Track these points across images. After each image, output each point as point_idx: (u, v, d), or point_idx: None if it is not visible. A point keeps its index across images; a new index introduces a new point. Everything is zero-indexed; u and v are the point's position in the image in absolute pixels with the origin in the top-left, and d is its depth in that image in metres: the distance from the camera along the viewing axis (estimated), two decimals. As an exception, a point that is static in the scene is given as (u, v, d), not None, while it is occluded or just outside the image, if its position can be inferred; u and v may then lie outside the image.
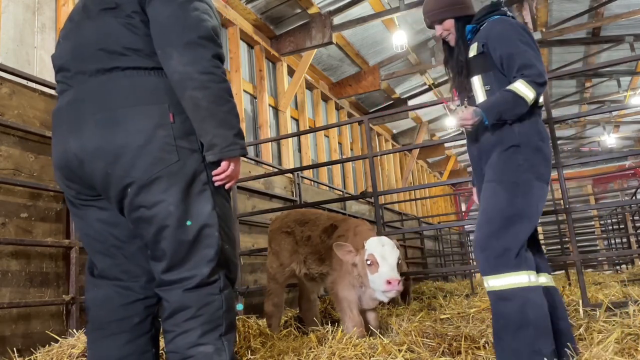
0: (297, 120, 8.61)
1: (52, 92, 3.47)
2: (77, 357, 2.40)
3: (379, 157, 11.18)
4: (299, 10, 7.36)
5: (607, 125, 15.17)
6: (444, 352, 2.45)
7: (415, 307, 4.36)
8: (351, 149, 10.57)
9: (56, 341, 2.69)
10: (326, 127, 7.14)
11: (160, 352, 1.91)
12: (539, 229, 13.72)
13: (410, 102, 11.33)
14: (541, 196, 2.28)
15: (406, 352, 2.39)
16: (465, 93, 2.48)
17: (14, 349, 2.70)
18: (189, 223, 1.60)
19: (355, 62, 9.27)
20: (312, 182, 7.79)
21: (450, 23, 2.52)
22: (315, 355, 2.50)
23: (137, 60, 1.63)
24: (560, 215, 7.84)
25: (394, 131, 13.29)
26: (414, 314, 3.33)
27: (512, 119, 2.26)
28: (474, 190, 2.61)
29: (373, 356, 2.36)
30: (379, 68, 9.47)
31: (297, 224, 3.49)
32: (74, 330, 2.91)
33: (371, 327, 2.95)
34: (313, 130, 7.88)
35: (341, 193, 8.51)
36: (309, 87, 9.12)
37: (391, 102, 11.34)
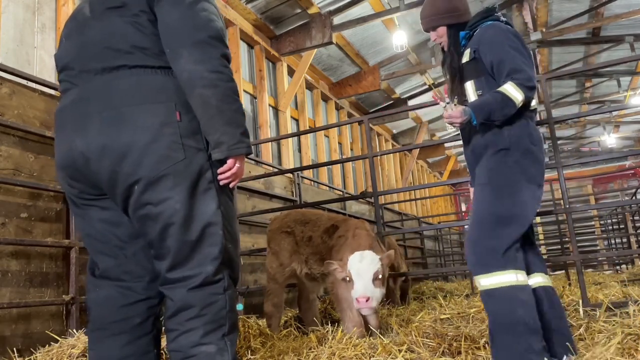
0: (297, 120, 8.61)
1: (52, 92, 3.47)
2: (77, 357, 2.40)
3: (379, 157, 11.18)
4: (299, 10, 7.36)
5: (607, 125, 15.17)
6: (444, 352, 2.45)
7: (415, 307, 4.35)
8: (351, 149, 10.57)
9: (56, 341, 2.69)
10: (326, 127, 7.15)
11: (162, 351, 1.90)
12: (539, 229, 13.82)
13: (410, 102, 11.33)
14: (532, 198, 2.30)
15: (406, 352, 2.39)
16: (458, 97, 2.52)
17: (14, 349, 2.70)
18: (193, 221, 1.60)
19: (355, 62, 9.27)
20: (312, 182, 7.79)
21: (443, 30, 2.57)
22: (315, 355, 2.50)
23: (144, 59, 1.64)
24: (560, 215, 7.85)
25: (394, 131, 13.29)
26: (414, 314, 3.33)
27: (500, 120, 2.28)
28: (471, 190, 2.62)
29: (373, 356, 2.36)
30: (379, 68, 9.47)
31: (298, 224, 3.49)
32: (74, 330, 2.91)
33: (371, 327, 2.95)
34: (313, 130, 7.88)
35: (341, 193, 8.51)
36: (309, 87, 9.12)
37: (391, 102, 11.34)
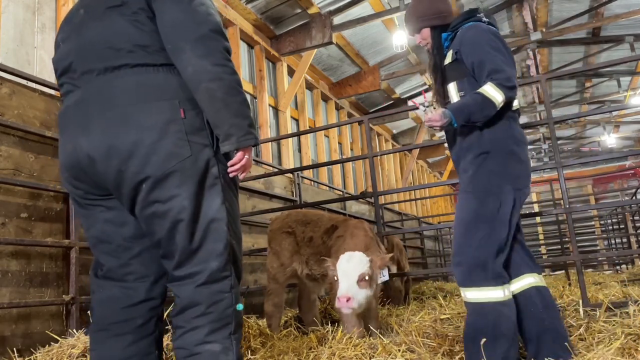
0: (297, 120, 8.61)
1: (52, 92, 3.47)
2: (77, 357, 2.40)
3: (379, 157, 11.18)
4: (299, 10, 7.36)
5: (607, 125, 15.17)
6: (444, 353, 2.45)
7: (415, 307, 4.35)
8: (351, 149, 10.57)
9: (56, 341, 2.69)
10: (326, 127, 7.14)
11: (164, 351, 1.91)
12: (539, 229, 13.77)
13: (410, 102, 11.33)
14: (516, 201, 2.28)
15: (406, 352, 2.39)
16: (442, 98, 2.51)
17: (14, 349, 2.70)
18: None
19: (355, 62, 9.26)
20: (312, 182, 7.79)
21: (427, 32, 2.57)
22: (315, 355, 2.50)
23: (145, 57, 1.64)
24: (560, 215, 7.84)
25: (394, 131, 13.29)
26: (414, 314, 3.33)
27: (481, 122, 2.28)
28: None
29: (373, 356, 2.36)
30: (379, 68, 9.47)
31: (299, 224, 3.49)
32: (74, 330, 2.90)
33: (371, 328, 2.95)
34: (313, 130, 7.88)
35: (341, 193, 8.51)
36: (309, 87, 9.12)
37: (391, 102, 11.34)
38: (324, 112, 9.71)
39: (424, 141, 12.80)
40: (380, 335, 2.61)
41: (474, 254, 2.20)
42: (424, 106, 2.38)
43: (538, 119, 13.52)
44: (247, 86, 7.17)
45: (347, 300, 2.59)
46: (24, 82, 3.23)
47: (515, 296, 2.30)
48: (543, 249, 14.50)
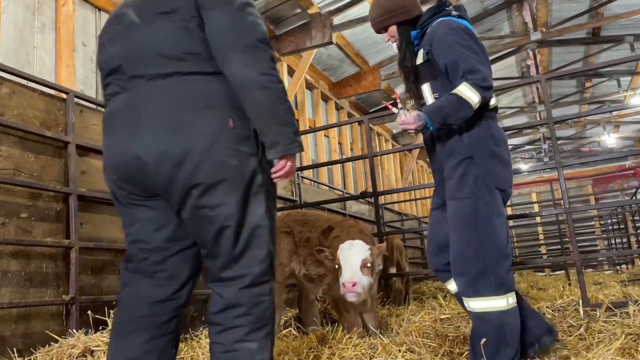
0: (297, 120, 8.59)
1: (52, 92, 3.47)
2: (77, 357, 2.40)
3: (379, 157, 11.17)
4: (299, 10, 7.36)
5: (607, 125, 15.16)
6: (444, 353, 2.45)
7: (415, 307, 4.35)
8: (351, 149, 10.57)
9: (56, 341, 2.69)
10: (326, 127, 7.15)
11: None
12: (539, 229, 13.74)
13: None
14: (501, 205, 2.26)
15: (406, 352, 2.39)
16: (417, 100, 2.45)
17: (14, 349, 2.70)
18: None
19: (355, 62, 9.26)
20: (312, 182, 7.79)
21: (394, 29, 2.50)
22: (315, 355, 2.50)
23: (196, 65, 1.68)
24: (560, 215, 7.85)
25: (394, 131, 13.28)
26: (414, 314, 3.33)
27: (458, 124, 2.22)
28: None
29: (373, 356, 2.36)
30: (379, 68, 9.46)
31: (297, 225, 3.50)
32: (74, 330, 2.91)
33: (371, 327, 2.95)
34: (313, 130, 7.87)
35: (341, 193, 8.51)
36: (309, 87, 9.12)
37: (391, 102, 11.32)
38: (324, 112, 9.71)
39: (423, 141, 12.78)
40: (380, 335, 2.61)
41: (476, 262, 2.16)
42: (397, 108, 2.34)
43: (538, 119, 13.52)
44: (247, 86, 7.17)
45: (353, 285, 2.59)
46: (24, 82, 3.23)
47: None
48: (543, 249, 14.50)
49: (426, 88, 2.39)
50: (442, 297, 3.94)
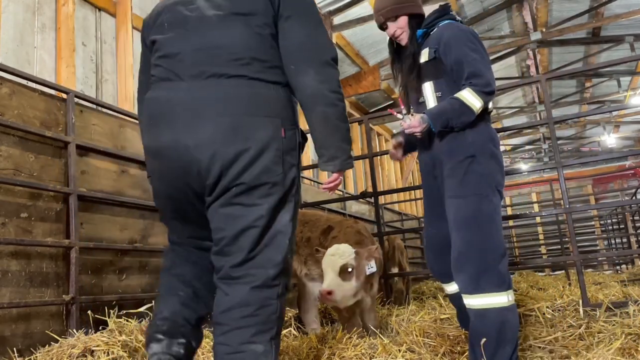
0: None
1: (52, 92, 3.47)
2: (77, 357, 2.40)
3: (379, 157, 11.17)
4: (299, 10, 7.36)
5: (607, 125, 15.16)
6: (445, 353, 2.45)
7: (415, 307, 4.36)
8: (351, 149, 10.57)
9: (56, 341, 2.69)
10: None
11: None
12: (539, 229, 13.73)
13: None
14: (499, 205, 2.31)
15: (406, 352, 2.39)
16: (415, 95, 2.45)
17: (14, 349, 2.70)
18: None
19: (355, 62, 9.26)
20: (312, 182, 7.79)
21: (404, 20, 2.46)
22: (315, 355, 2.51)
23: (261, 72, 1.74)
24: (560, 215, 7.84)
25: (394, 131, 13.28)
26: (414, 314, 3.33)
27: (459, 127, 2.26)
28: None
29: (373, 356, 2.36)
30: (379, 68, 9.46)
31: (298, 224, 3.50)
32: (74, 330, 2.90)
33: (371, 327, 2.95)
34: (313, 130, 7.86)
35: (341, 193, 8.51)
36: (309, 87, 9.12)
37: (391, 102, 11.34)
38: (324, 112, 9.71)
39: (424, 141, 12.78)
40: (380, 335, 2.61)
41: (478, 260, 2.17)
42: (402, 114, 2.36)
43: (538, 119, 13.52)
44: (247, 86, 7.17)
45: (328, 294, 2.59)
46: (24, 82, 3.22)
47: (459, 295, 2.34)
48: (543, 249, 14.49)
49: (428, 86, 2.40)
50: (442, 297, 3.94)
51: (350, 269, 2.71)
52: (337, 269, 2.69)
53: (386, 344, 2.45)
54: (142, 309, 3.01)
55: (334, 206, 7.01)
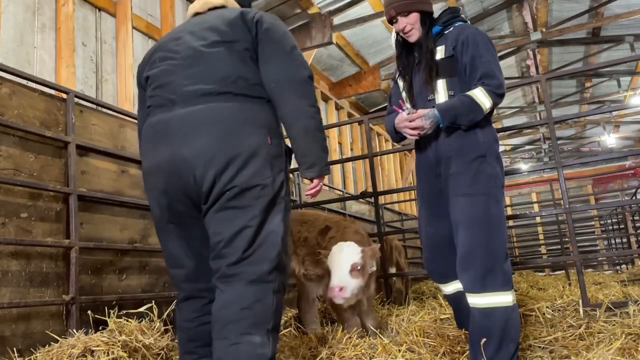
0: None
1: (52, 92, 3.47)
2: (77, 357, 2.40)
3: (379, 157, 11.18)
4: (299, 11, 7.36)
5: (607, 125, 15.16)
6: (444, 353, 2.45)
7: (415, 307, 4.36)
8: (351, 149, 10.57)
9: (56, 341, 2.69)
10: (326, 127, 7.10)
11: None
12: (539, 229, 13.74)
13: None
14: (503, 204, 2.35)
15: (406, 352, 2.39)
16: (425, 92, 2.44)
17: (14, 349, 2.70)
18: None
19: (355, 62, 9.26)
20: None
21: (416, 17, 2.43)
22: (315, 355, 2.50)
23: (245, 89, 1.96)
24: (560, 215, 7.84)
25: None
26: (414, 314, 3.33)
27: (466, 125, 2.28)
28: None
29: (373, 356, 2.36)
30: (379, 68, 9.46)
31: (296, 224, 3.50)
32: (74, 330, 2.90)
33: (371, 327, 2.95)
34: (313, 130, 7.86)
35: (341, 193, 8.51)
36: (309, 87, 9.11)
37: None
38: (324, 112, 9.72)
39: (424, 141, 12.77)
40: (380, 335, 2.61)
41: (486, 259, 2.18)
42: (408, 111, 2.35)
43: (538, 119, 13.52)
44: (247, 86, 7.17)
45: (340, 290, 2.59)
46: (24, 82, 3.22)
47: (457, 295, 2.33)
48: (543, 249, 14.49)
49: (441, 84, 2.39)
50: (442, 297, 3.94)
51: (359, 267, 2.73)
52: (347, 266, 2.69)
53: (386, 344, 2.45)
54: (142, 309, 3.00)
55: (334, 206, 7.01)
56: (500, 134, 13.26)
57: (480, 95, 2.22)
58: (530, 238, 13.60)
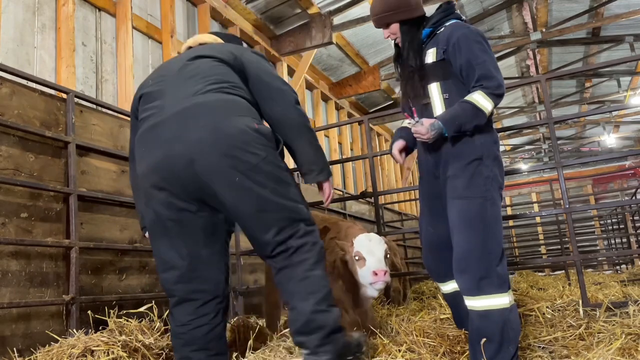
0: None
1: (52, 92, 3.47)
2: (77, 357, 2.40)
3: (379, 157, 11.18)
4: (299, 11, 7.36)
5: (607, 125, 15.16)
6: (444, 352, 2.45)
7: (415, 307, 4.35)
8: (351, 149, 10.57)
9: (56, 341, 2.69)
10: (326, 127, 7.13)
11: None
12: (539, 229, 13.73)
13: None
14: (500, 206, 2.33)
15: (406, 352, 2.39)
16: (417, 99, 2.43)
17: (14, 349, 2.70)
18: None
19: (355, 62, 9.26)
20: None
21: (396, 27, 2.47)
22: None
23: (228, 89, 2.15)
24: (560, 215, 7.84)
25: (394, 131, 13.28)
26: (414, 313, 3.33)
27: (471, 131, 2.26)
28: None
29: (373, 356, 2.36)
30: (379, 68, 9.46)
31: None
32: (74, 330, 2.90)
33: (371, 327, 2.95)
34: (313, 130, 7.86)
35: (341, 193, 8.51)
36: (309, 87, 9.12)
37: (391, 102, 11.34)
38: (324, 112, 9.71)
39: (424, 141, 12.75)
40: (380, 335, 2.61)
41: (481, 262, 2.17)
42: (415, 120, 2.33)
43: (538, 119, 13.52)
44: (247, 86, 7.17)
45: (385, 273, 2.60)
46: (24, 82, 3.23)
47: (456, 295, 2.34)
48: (543, 249, 14.49)
49: (435, 87, 2.37)
50: (442, 297, 3.93)
51: (388, 255, 2.76)
52: (382, 253, 2.71)
53: (386, 344, 2.45)
54: (142, 309, 3.00)
55: (334, 206, 7.01)
56: (500, 134, 13.28)
57: (481, 99, 2.20)
58: (530, 238, 13.60)
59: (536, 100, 13.32)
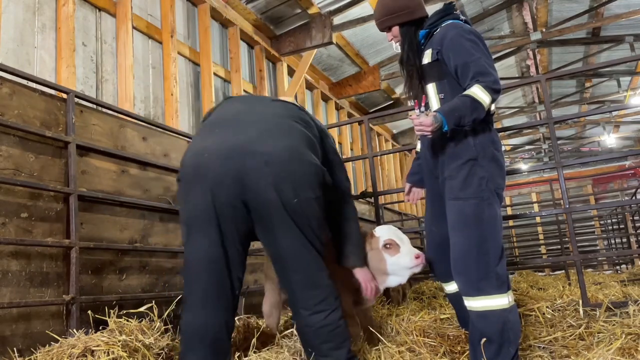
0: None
1: (52, 92, 3.47)
2: (77, 357, 2.40)
3: (379, 157, 11.17)
4: (299, 11, 7.36)
5: (607, 125, 15.16)
6: (444, 352, 2.45)
7: (415, 307, 4.35)
8: (351, 149, 10.57)
9: (56, 341, 2.69)
10: (326, 127, 7.14)
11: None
12: (539, 229, 13.70)
13: (410, 102, 11.30)
14: (499, 207, 2.31)
15: (406, 352, 2.39)
16: (420, 97, 2.46)
17: (14, 349, 2.70)
18: None
19: (355, 62, 9.26)
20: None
21: (396, 30, 2.52)
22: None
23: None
24: (560, 215, 7.84)
25: (394, 131, 13.28)
26: (414, 313, 3.33)
27: (470, 125, 2.24)
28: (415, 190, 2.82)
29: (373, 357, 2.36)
30: (379, 68, 9.46)
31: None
32: (74, 330, 2.90)
33: (371, 327, 2.95)
34: (313, 130, 7.85)
35: (341, 193, 8.49)
36: (309, 87, 9.11)
37: (391, 102, 11.34)
38: (324, 112, 9.71)
39: (424, 141, 12.75)
40: (380, 335, 2.61)
41: (478, 263, 2.17)
42: (418, 111, 2.32)
43: (538, 119, 13.52)
44: (247, 86, 7.17)
45: (418, 257, 2.56)
46: (24, 82, 3.22)
47: (459, 295, 2.34)
48: (543, 249, 14.49)
49: (431, 88, 2.39)
50: (442, 297, 3.94)
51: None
52: (408, 240, 2.68)
53: (386, 344, 2.45)
54: (142, 309, 3.00)
55: (334, 206, 6.99)
56: (500, 134, 13.24)
57: (479, 92, 2.18)
58: (530, 238, 13.60)
59: (536, 100, 13.32)
